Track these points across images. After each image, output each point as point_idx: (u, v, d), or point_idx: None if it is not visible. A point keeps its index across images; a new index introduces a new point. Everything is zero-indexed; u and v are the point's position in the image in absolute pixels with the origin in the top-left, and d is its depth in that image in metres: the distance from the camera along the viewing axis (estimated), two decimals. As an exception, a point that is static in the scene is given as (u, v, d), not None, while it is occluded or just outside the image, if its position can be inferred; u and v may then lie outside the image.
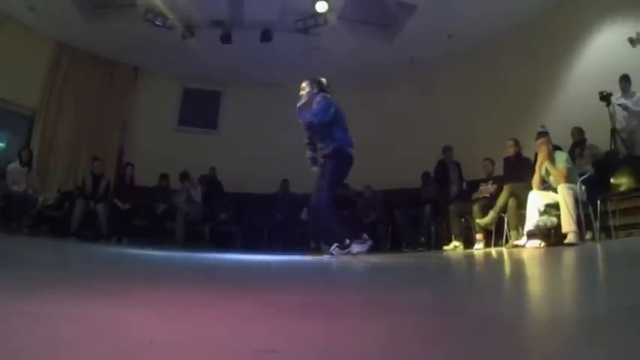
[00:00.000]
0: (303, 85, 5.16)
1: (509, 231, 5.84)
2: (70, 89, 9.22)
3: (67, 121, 9.16)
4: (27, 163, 7.56)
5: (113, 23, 8.46)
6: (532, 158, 6.12)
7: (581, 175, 5.38)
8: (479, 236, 6.25)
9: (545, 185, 5.32)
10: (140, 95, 10.33)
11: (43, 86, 8.86)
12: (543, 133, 5.48)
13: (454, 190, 8.04)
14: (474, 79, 9.06)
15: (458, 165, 8.45)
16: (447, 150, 8.52)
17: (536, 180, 5.33)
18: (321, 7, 7.88)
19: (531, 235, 5.07)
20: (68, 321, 0.97)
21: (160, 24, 8.10)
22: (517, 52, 8.44)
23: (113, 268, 2.92)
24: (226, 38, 8.60)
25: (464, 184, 7.90)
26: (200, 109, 10.90)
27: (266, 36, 8.57)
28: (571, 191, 4.83)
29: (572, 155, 6.03)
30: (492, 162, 7.22)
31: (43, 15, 8.07)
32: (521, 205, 5.47)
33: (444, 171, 8.40)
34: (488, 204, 6.22)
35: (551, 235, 5.08)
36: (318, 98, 4.96)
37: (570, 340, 0.87)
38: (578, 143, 6.51)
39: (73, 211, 7.54)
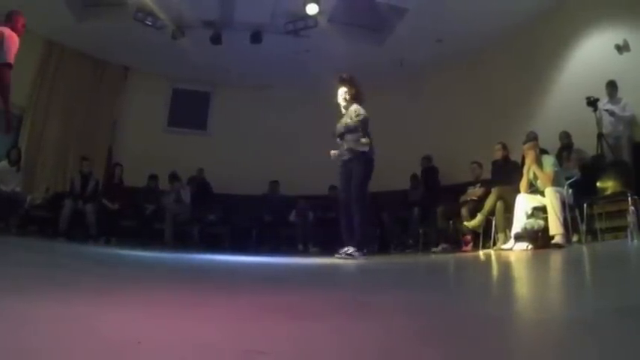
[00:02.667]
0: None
1: (496, 233, 5.88)
2: (59, 88, 9.12)
3: (55, 120, 9.06)
4: (16, 163, 7.47)
5: (103, 22, 8.37)
6: (520, 162, 6.17)
7: (568, 178, 5.44)
8: (467, 239, 6.28)
9: (533, 188, 5.37)
10: (130, 95, 10.24)
11: (31, 84, 8.74)
12: (531, 137, 5.53)
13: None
14: (463, 82, 9.10)
15: (426, 171, 8.81)
16: (422, 160, 8.90)
17: (523, 183, 5.38)
18: (312, 9, 7.86)
19: (519, 237, 5.11)
20: (56, 321, 0.97)
21: (150, 23, 8.04)
22: (506, 58, 8.50)
23: (102, 269, 2.91)
24: (216, 39, 8.57)
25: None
26: (189, 109, 10.85)
27: (256, 37, 8.54)
28: (558, 194, 4.88)
29: (560, 159, 6.09)
30: (480, 165, 7.27)
31: (32, 12, 7.94)
32: (509, 208, 5.51)
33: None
34: (476, 207, 6.26)
35: (538, 238, 5.12)
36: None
37: (559, 342, 0.89)
38: (566, 147, 6.58)
39: (62, 211, 7.46)
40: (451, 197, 7.29)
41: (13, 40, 4.32)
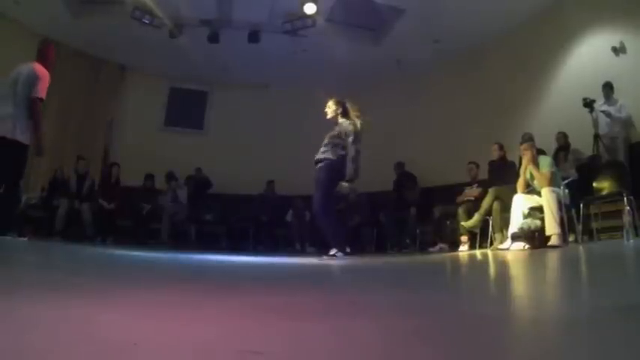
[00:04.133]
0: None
1: (493, 233, 5.90)
2: (55, 86, 8.95)
3: (51, 119, 8.98)
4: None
5: (100, 20, 8.34)
6: (517, 162, 6.19)
7: (564, 179, 5.46)
8: (464, 238, 6.30)
9: (530, 189, 5.39)
10: (127, 94, 10.21)
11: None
12: (527, 138, 5.55)
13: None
14: (461, 83, 9.09)
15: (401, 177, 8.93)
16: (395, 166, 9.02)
17: (520, 183, 5.40)
18: (310, 8, 7.87)
19: (515, 237, 5.12)
20: (51, 322, 0.97)
21: (147, 22, 8.03)
22: (503, 58, 8.51)
23: (98, 269, 2.90)
24: (214, 38, 8.56)
25: None
26: (187, 109, 10.82)
27: (253, 37, 8.54)
28: (554, 194, 4.90)
29: (556, 159, 6.13)
30: (477, 165, 7.29)
31: (28, 9, 7.92)
32: (506, 208, 5.52)
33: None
34: (472, 207, 6.28)
35: (535, 238, 5.12)
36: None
37: (555, 341, 0.89)
38: (563, 148, 6.61)
39: (58, 210, 7.43)
40: (448, 197, 7.31)
41: (45, 77, 4.56)
